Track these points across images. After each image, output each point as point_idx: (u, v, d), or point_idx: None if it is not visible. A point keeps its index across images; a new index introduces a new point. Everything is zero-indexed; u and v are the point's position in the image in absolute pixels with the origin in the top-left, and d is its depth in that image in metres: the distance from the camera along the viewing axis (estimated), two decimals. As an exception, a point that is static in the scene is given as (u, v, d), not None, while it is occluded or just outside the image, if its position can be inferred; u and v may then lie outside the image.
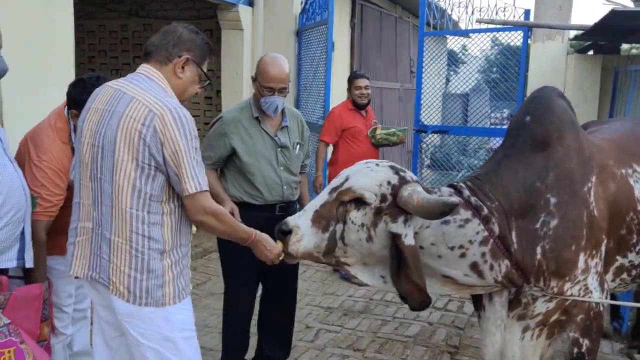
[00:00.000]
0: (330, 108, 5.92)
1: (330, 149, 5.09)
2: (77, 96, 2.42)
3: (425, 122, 6.16)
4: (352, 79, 5.05)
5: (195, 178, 1.87)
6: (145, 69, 2.01)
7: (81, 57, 7.47)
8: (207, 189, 1.93)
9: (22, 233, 2.21)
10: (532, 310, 2.34)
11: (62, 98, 2.79)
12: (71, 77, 4.27)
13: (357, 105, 4.96)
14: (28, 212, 2.23)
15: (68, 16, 4.28)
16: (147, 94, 1.89)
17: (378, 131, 4.90)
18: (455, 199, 2.11)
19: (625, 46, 7.21)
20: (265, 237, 2.19)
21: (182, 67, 2.02)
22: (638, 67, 4.91)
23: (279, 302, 3.14)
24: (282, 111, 2.99)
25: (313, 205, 2.22)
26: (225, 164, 2.98)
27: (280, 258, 2.22)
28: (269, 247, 2.18)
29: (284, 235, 2.19)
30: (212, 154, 2.94)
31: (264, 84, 2.87)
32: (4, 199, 2.08)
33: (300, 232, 2.17)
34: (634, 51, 7.65)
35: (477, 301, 2.52)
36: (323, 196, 2.23)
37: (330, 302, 4.45)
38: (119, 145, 1.85)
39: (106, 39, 8.07)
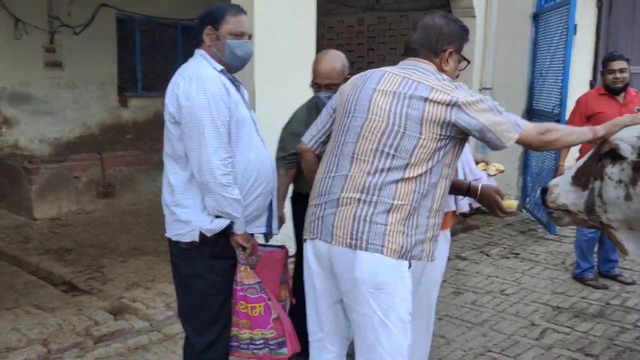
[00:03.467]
0: (569, 95, 5.50)
1: None
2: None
3: (688, 111, 5.32)
4: (605, 61, 4.51)
5: (514, 124, 2.02)
6: (420, 62, 2.13)
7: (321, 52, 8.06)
8: (525, 125, 2.04)
9: (270, 204, 2.51)
10: None
11: (303, 89, 3.08)
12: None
13: (610, 90, 4.41)
14: (275, 186, 2.51)
15: (311, 13, 4.67)
16: (443, 83, 2.05)
17: None
18: None
19: None
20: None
21: (447, 59, 2.15)
22: None
23: None
24: None
25: (577, 163, 2.29)
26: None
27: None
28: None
29: (542, 194, 2.31)
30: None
31: (313, 79, 2.88)
32: (257, 174, 2.37)
33: (557, 190, 2.25)
34: None
35: None
36: (588, 154, 2.26)
37: (559, 301, 4.14)
38: (425, 126, 2.00)
39: (344, 33, 8.58)
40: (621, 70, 4.33)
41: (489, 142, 2.04)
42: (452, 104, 1.99)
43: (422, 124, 1.99)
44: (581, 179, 2.20)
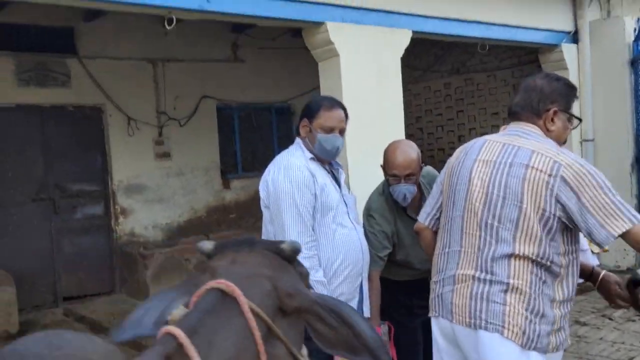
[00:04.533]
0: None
1: None
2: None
3: None
4: None
5: (627, 212, 1.84)
6: (522, 126, 2.08)
7: (409, 118, 8.15)
8: (637, 220, 1.84)
9: (361, 287, 2.52)
10: None
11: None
12: (402, 137, 4.72)
13: None
14: (365, 267, 2.54)
15: (397, 84, 4.78)
16: (545, 146, 1.96)
17: None
18: None
19: None
20: None
21: (552, 120, 2.06)
22: None
23: None
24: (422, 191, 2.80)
25: None
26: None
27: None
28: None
29: (634, 286, 2.02)
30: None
31: (389, 171, 2.75)
32: (343, 256, 2.42)
33: None
34: None
35: None
36: None
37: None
38: (526, 195, 1.91)
39: (431, 98, 8.64)
40: None
41: (591, 230, 1.84)
42: (555, 174, 1.88)
43: (523, 191, 1.91)
44: None
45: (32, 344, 1.00)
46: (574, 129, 2.15)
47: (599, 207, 1.82)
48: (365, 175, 4.33)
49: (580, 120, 2.15)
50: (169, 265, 6.38)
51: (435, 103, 8.61)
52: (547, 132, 2.06)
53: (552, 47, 6.12)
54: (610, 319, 4.79)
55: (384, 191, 2.89)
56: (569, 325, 2.01)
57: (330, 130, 2.47)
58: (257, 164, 7.81)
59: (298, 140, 2.55)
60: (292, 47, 6.94)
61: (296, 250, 1.22)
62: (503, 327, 1.89)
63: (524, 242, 1.90)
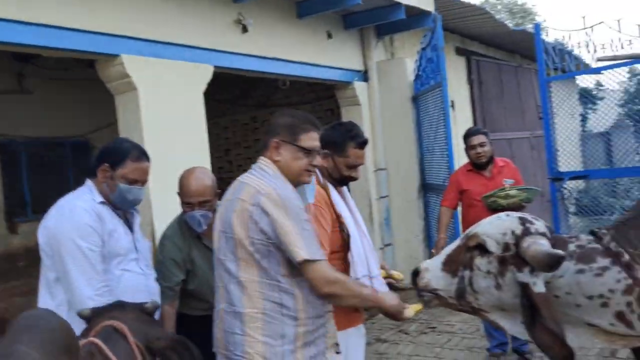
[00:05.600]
0: (457, 166, 5.84)
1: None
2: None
3: (563, 168, 5.78)
4: (465, 138, 4.49)
5: (304, 248, 1.98)
6: (259, 161, 2.22)
7: (218, 151, 8.14)
8: (322, 259, 2.03)
9: None
10: None
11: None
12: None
13: (475, 166, 4.40)
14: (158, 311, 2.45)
15: (201, 118, 4.71)
16: (257, 179, 2.09)
17: (502, 194, 4.08)
18: (558, 251, 1.99)
19: None
20: (382, 293, 2.30)
21: (277, 150, 2.15)
22: None
23: None
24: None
25: (448, 249, 2.30)
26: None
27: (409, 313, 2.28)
28: (389, 297, 2.25)
29: (414, 276, 2.28)
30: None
31: (183, 199, 2.76)
32: (131, 300, 2.29)
33: (428, 275, 2.24)
34: None
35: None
36: (456, 241, 2.29)
37: (480, 371, 4.19)
38: (237, 227, 2.02)
39: (239, 131, 8.75)
40: (481, 145, 4.30)
41: (285, 250, 2.00)
42: (256, 203, 2.01)
43: (234, 223, 2.02)
44: (451, 266, 2.21)
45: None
46: (312, 159, 2.16)
47: (286, 233, 1.97)
48: (171, 213, 4.17)
49: (308, 150, 2.14)
50: (-61, 327, 5.45)
51: (243, 136, 8.72)
52: (275, 162, 2.14)
53: (347, 84, 6.59)
54: (406, 333, 5.20)
55: (181, 218, 2.85)
56: (324, 342, 2.13)
57: (134, 182, 2.38)
58: (51, 204, 7.08)
59: (89, 182, 2.39)
60: (88, 79, 6.51)
61: (157, 307, 1.77)
62: (243, 357, 1.99)
63: (247, 270, 2.01)
